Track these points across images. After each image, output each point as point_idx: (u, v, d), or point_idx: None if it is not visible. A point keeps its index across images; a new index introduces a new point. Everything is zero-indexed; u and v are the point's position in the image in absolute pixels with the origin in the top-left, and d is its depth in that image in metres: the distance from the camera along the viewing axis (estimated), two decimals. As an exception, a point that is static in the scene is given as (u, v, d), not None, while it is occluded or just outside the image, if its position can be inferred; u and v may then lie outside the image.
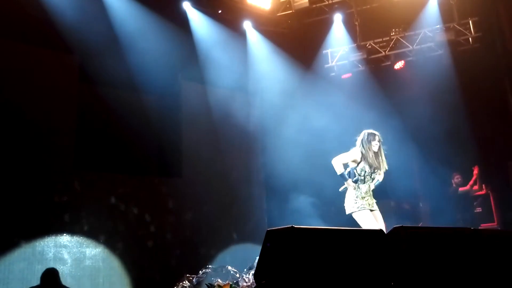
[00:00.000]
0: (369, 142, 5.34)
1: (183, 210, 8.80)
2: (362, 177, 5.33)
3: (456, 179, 8.43)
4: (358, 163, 5.34)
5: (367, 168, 5.33)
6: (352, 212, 5.31)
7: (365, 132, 5.45)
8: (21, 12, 7.40)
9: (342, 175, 5.33)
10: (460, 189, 8.35)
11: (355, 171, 5.35)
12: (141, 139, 8.48)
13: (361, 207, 5.26)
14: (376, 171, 5.38)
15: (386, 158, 5.46)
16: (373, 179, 5.40)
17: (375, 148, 5.33)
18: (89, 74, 7.96)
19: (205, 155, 9.20)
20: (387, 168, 5.44)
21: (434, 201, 8.92)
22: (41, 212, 7.28)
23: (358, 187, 5.32)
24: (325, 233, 3.34)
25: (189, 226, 8.78)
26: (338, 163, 5.34)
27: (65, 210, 7.51)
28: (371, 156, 5.32)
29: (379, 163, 5.36)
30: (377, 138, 5.37)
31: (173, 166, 9.03)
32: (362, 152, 5.34)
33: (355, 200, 5.30)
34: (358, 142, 5.43)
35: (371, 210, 5.34)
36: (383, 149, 5.44)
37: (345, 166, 5.41)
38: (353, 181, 5.31)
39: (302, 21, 9.99)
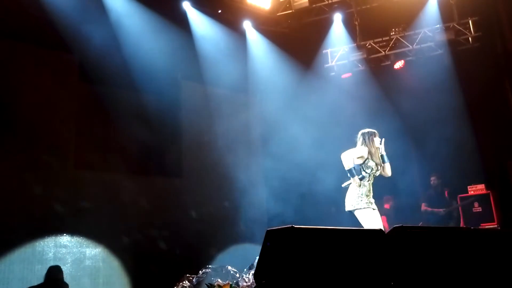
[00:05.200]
0: (372, 140, 5.46)
1: (183, 210, 8.80)
2: (367, 175, 5.36)
3: (433, 181, 8.50)
4: (365, 161, 5.38)
5: (374, 166, 5.39)
6: (355, 210, 5.29)
7: (363, 132, 5.54)
8: (21, 12, 7.40)
9: (350, 170, 5.36)
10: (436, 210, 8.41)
11: (361, 167, 5.37)
12: (141, 139, 8.48)
13: (366, 206, 5.26)
14: (379, 168, 5.44)
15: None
16: (375, 177, 5.45)
17: (378, 144, 5.47)
18: (89, 74, 7.96)
19: (205, 155, 9.20)
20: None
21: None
22: (41, 212, 7.29)
23: (364, 185, 5.34)
24: (325, 233, 3.34)
25: (189, 226, 8.77)
26: (347, 158, 5.38)
27: (65, 210, 7.51)
28: (375, 153, 5.43)
29: (380, 159, 5.48)
30: (377, 134, 5.52)
31: (173, 166, 9.03)
32: (369, 151, 5.42)
33: (360, 197, 5.29)
34: (360, 142, 5.50)
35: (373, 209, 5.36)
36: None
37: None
38: (359, 178, 5.33)
39: (302, 21, 9.98)
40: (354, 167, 5.36)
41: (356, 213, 5.30)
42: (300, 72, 9.84)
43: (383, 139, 5.49)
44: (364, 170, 5.36)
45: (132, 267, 7.99)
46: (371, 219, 5.22)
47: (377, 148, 5.46)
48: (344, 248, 3.28)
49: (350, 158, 5.37)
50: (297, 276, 2.99)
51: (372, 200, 5.39)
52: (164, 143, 8.96)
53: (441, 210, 8.33)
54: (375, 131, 5.53)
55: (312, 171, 8.67)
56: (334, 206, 8.28)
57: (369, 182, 5.40)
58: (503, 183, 8.62)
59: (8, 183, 7.12)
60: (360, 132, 5.57)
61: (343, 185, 5.49)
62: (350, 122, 8.96)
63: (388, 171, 5.51)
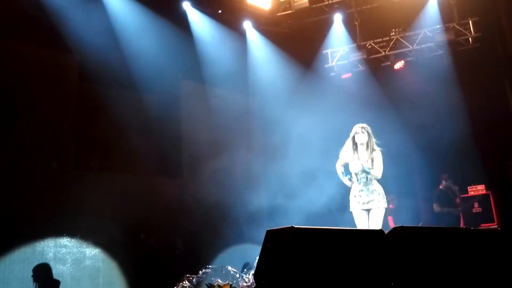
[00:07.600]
0: (351, 138, 5.41)
1: (182, 210, 8.80)
2: (354, 175, 5.38)
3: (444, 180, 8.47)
4: (348, 162, 5.43)
5: (355, 166, 5.34)
6: (352, 211, 5.41)
7: None
8: (21, 12, 7.40)
9: (339, 174, 5.48)
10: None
11: (349, 169, 5.45)
12: (141, 139, 8.48)
13: (354, 208, 5.35)
14: (362, 168, 5.28)
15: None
16: (367, 176, 5.31)
17: (359, 140, 5.31)
18: (89, 74, 7.96)
19: (205, 155, 9.20)
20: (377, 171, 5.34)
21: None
22: (41, 212, 7.28)
23: (354, 184, 5.38)
24: (325, 233, 3.34)
25: (189, 226, 8.77)
26: (338, 165, 5.49)
27: (65, 210, 7.50)
28: (355, 150, 5.35)
29: (361, 156, 5.33)
30: (358, 129, 5.33)
31: (173, 166, 9.03)
32: (347, 151, 5.42)
33: (352, 199, 5.40)
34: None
35: (367, 210, 5.31)
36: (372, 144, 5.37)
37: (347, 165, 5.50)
38: (348, 179, 5.38)
39: (302, 21, 9.99)
40: (342, 172, 5.43)
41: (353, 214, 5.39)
42: (300, 72, 9.84)
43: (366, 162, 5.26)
44: (350, 171, 5.41)
45: (132, 267, 7.98)
46: (359, 221, 5.28)
47: (356, 143, 5.32)
48: (344, 248, 3.28)
49: (339, 164, 5.46)
50: (297, 276, 2.99)
51: (367, 199, 5.28)
52: (164, 143, 8.96)
53: (458, 209, 8.26)
54: (357, 126, 5.37)
55: (312, 171, 8.67)
56: (335, 206, 8.29)
57: (361, 181, 5.32)
58: (503, 183, 8.63)
59: (8, 183, 7.12)
60: None
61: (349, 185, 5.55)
62: (350, 122, 8.95)
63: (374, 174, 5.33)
